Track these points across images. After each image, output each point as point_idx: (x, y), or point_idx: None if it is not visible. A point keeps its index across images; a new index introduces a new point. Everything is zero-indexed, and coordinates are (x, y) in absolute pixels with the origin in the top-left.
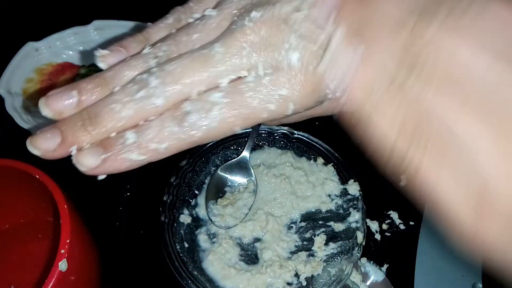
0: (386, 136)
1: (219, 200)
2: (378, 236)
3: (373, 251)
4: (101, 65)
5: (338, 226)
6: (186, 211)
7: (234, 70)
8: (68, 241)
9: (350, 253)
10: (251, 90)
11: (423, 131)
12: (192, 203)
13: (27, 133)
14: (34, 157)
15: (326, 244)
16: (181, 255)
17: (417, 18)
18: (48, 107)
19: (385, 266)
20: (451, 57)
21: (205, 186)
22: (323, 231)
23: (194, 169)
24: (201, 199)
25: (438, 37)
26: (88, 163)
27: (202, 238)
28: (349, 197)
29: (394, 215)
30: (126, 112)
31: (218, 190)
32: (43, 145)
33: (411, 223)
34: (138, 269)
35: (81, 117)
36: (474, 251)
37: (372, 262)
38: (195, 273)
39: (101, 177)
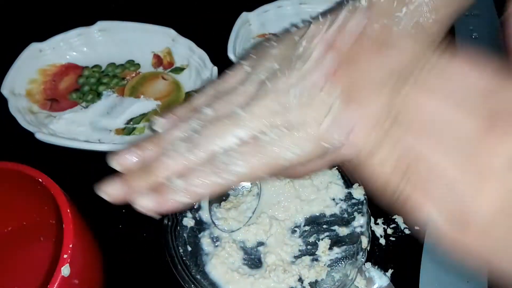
0: (381, 174)
1: (222, 203)
2: (382, 241)
3: (378, 256)
4: (159, 130)
5: (343, 231)
6: (189, 214)
7: (257, 129)
8: (70, 245)
9: (354, 258)
10: (271, 144)
11: (409, 169)
12: (195, 206)
13: (31, 134)
14: (38, 158)
15: (330, 248)
16: (184, 258)
17: (396, 79)
18: (118, 163)
19: (390, 271)
20: (421, 108)
21: None
22: (327, 235)
23: None
24: (204, 202)
25: (411, 92)
26: (148, 205)
27: (205, 242)
28: (353, 201)
29: (399, 219)
30: (176, 164)
31: (222, 193)
32: (110, 190)
33: (416, 227)
34: (141, 272)
35: (141, 171)
36: (457, 256)
37: (376, 267)
38: (198, 276)
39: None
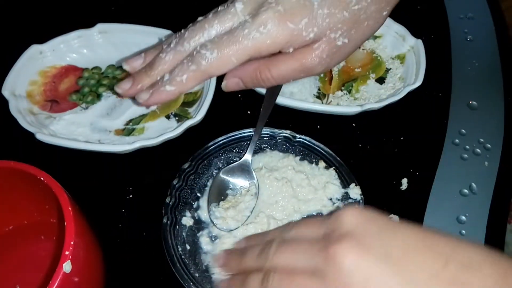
0: None
1: (221, 202)
2: None
3: None
4: (126, 67)
5: None
6: (188, 214)
7: (230, 22)
8: (72, 242)
9: None
10: (238, 29)
11: None
12: (194, 206)
13: (31, 135)
14: (38, 159)
15: None
16: (183, 257)
17: None
18: (128, 64)
19: None
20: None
21: (207, 188)
22: None
23: (197, 172)
24: (203, 202)
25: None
26: (143, 97)
27: (204, 241)
28: (350, 201)
29: (395, 218)
30: (168, 56)
31: (220, 193)
32: (122, 86)
33: None
34: (141, 269)
35: (144, 68)
36: None
37: None
38: (197, 275)
39: (154, 107)
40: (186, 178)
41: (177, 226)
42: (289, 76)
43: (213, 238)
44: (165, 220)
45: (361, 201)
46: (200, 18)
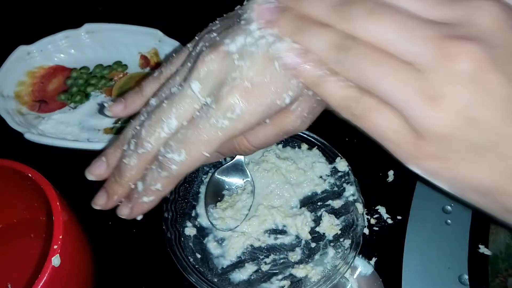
0: (338, 93)
1: (218, 203)
2: (366, 231)
3: (362, 245)
4: (108, 113)
5: (337, 203)
6: (189, 224)
7: (191, 108)
8: (60, 237)
9: (354, 225)
10: (202, 119)
11: (365, 91)
12: (193, 215)
13: (20, 135)
14: (27, 159)
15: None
16: (196, 266)
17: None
18: (92, 175)
19: (374, 259)
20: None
21: (200, 195)
22: (324, 211)
23: (186, 181)
24: (200, 209)
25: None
26: (124, 213)
27: (212, 246)
28: (340, 174)
29: (382, 210)
30: (133, 161)
31: (217, 194)
32: (99, 202)
33: (399, 217)
34: (130, 265)
35: (113, 175)
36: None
37: (360, 255)
38: (215, 280)
39: (139, 218)
40: (178, 189)
41: (182, 238)
42: (271, 141)
43: (220, 241)
44: (168, 235)
45: (349, 171)
46: (153, 100)
